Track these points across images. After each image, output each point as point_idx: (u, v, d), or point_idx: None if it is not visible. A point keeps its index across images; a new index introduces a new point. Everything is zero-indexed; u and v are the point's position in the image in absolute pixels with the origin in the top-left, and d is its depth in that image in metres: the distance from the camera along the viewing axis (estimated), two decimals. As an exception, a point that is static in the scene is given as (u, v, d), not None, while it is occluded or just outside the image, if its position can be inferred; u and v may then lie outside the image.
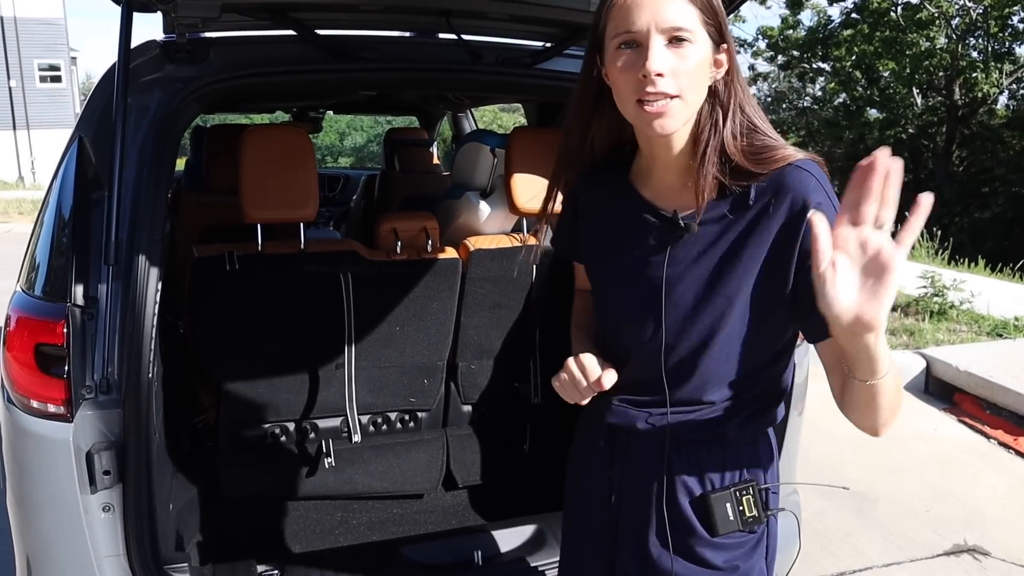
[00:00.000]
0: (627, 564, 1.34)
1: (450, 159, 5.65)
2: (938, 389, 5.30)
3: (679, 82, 1.12)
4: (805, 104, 26.99)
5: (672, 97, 1.12)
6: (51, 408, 1.64)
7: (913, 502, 3.75)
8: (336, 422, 2.57)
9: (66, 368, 1.62)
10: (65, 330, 1.61)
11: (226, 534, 2.42)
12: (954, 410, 4.96)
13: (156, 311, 1.70)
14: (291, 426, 2.54)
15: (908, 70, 21.20)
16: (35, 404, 1.65)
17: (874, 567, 3.23)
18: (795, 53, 23.69)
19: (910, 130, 22.73)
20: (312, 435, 2.56)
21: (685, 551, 1.28)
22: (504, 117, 26.55)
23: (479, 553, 2.04)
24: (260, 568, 1.97)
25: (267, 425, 2.52)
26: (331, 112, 5.37)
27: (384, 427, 2.66)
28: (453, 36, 2.07)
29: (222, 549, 2.28)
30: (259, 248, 2.17)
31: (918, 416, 4.90)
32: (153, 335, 1.70)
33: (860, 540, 3.42)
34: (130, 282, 1.68)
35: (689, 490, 1.28)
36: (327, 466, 2.54)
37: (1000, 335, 5.99)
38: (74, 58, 29.87)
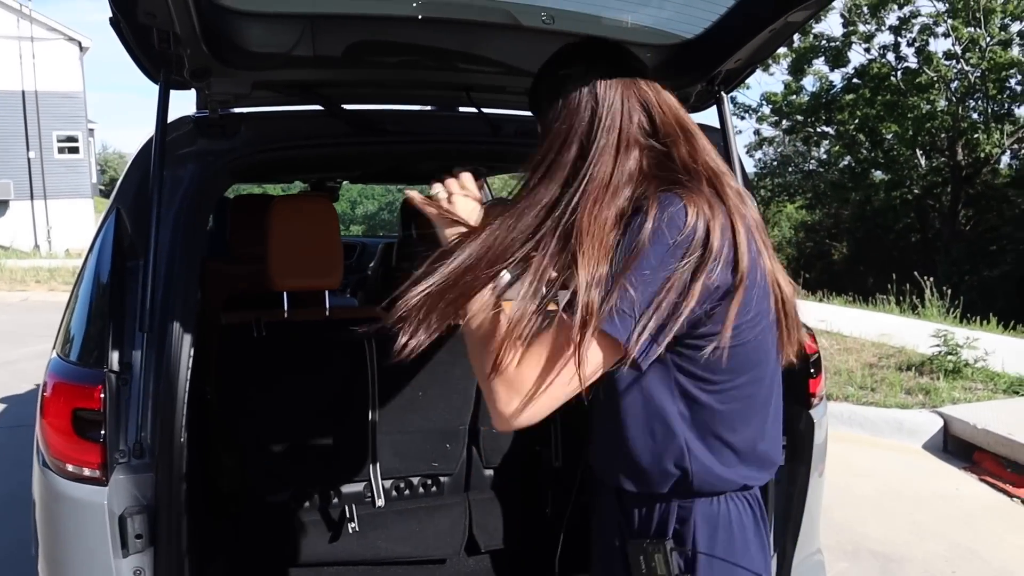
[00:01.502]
0: None
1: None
2: (957, 448, 5.26)
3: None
4: (811, 167, 27.33)
5: None
6: (86, 472, 1.67)
7: (938, 563, 3.70)
8: (359, 487, 2.58)
9: (102, 432, 1.66)
10: (102, 395, 1.65)
11: None
12: (974, 468, 4.92)
13: (188, 376, 1.74)
14: (315, 491, 2.55)
15: (911, 132, 21.52)
16: (71, 468, 1.68)
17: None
18: (799, 117, 24.08)
19: (915, 190, 22.94)
20: (335, 500, 2.57)
21: None
22: (517, 185, 26.85)
23: None
24: None
25: (291, 490, 2.53)
26: (347, 181, 5.47)
27: (407, 492, 2.66)
28: (473, 109, 2.15)
29: None
30: (286, 315, 2.21)
31: (938, 475, 4.86)
32: (185, 400, 1.73)
33: (885, 605, 3.38)
34: (164, 348, 1.72)
35: (620, 535, 1.37)
36: (351, 531, 2.54)
37: (1017, 392, 5.96)
38: (91, 129, 30.55)
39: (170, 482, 1.71)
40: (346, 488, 2.59)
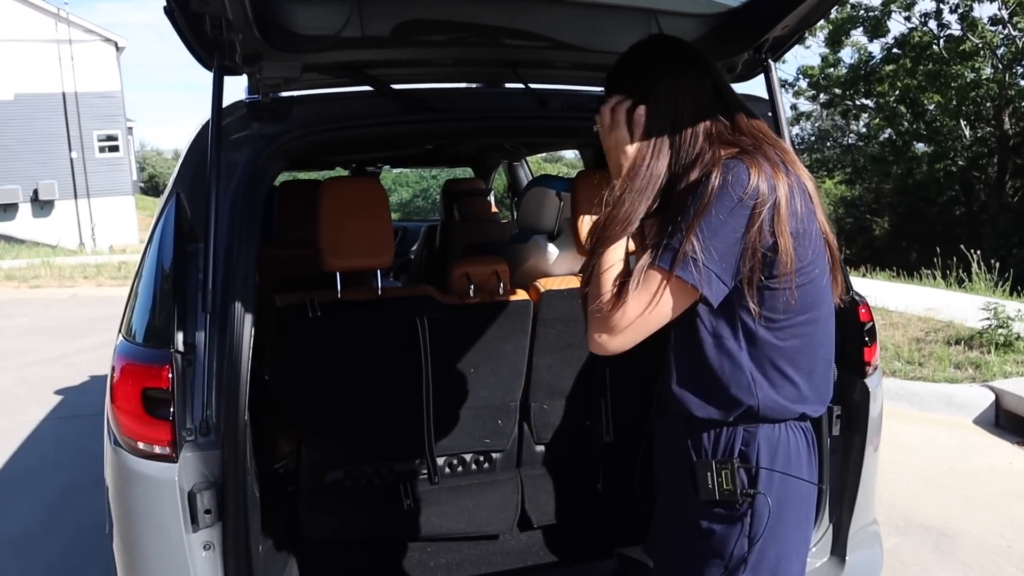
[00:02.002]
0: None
1: (507, 207, 5.76)
2: (1009, 422, 5.17)
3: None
4: (850, 141, 26.86)
5: None
6: (157, 450, 1.72)
7: (992, 538, 3.65)
8: (413, 464, 2.62)
9: (171, 411, 1.70)
10: (170, 375, 1.70)
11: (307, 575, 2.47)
12: (1028, 443, 4.84)
13: (250, 356, 1.78)
14: (369, 469, 2.59)
15: (954, 102, 20.99)
16: (141, 446, 1.73)
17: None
18: (837, 91, 23.64)
19: (960, 162, 22.43)
20: (390, 478, 2.61)
21: (685, 511, 1.53)
22: (547, 167, 26.84)
23: None
24: None
25: (346, 469, 2.57)
26: (387, 167, 5.53)
27: (460, 468, 2.70)
28: (520, 85, 2.15)
29: None
30: (338, 295, 2.25)
31: (990, 450, 4.78)
32: (248, 379, 1.77)
33: (940, 577, 3.34)
34: (226, 328, 1.76)
35: (690, 459, 1.51)
36: (405, 508, 2.58)
37: (1071, 364, 5.84)
38: (130, 128, 31.05)
39: (236, 459, 1.75)
40: (400, 466, 2.63)
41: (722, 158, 1.40)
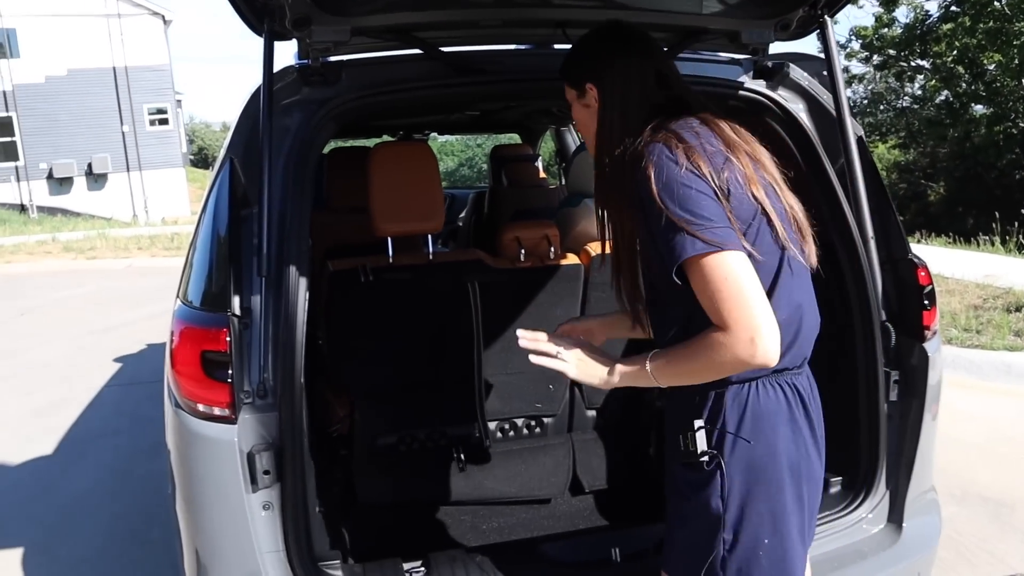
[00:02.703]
0: None
1: (555, 172, 5.72)
2: (1072, 390, 5.04)
3: (579, 130, 1.72)
4: (904, 104, 26.09)
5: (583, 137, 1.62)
6: (216, 411, 1.75)
7: (1053, 508, 3.57)
8: (465, 429, 2.64)
9: (230, 372, 1.73)
10: (228, 337, 1.72)
11: (359, 539, 2.50)
12: (1090, 412, 4.71)
13: (305, 319, 1.80)
14: (422, 434, 2.62)
15: (1016, 61, 20.20)
16: (201, 408, 1.77)
17: (1017, 574, 3.09)
18: (891, 52, 22.93)
19: (1021, 124, 21.65)
20: (442, 442, 2.63)
21: (672, 468, 1.61)
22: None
23: (617, 551, 2.05)
24: (406, 566, 2.03)
25: (399, 433, 2.60)
26: (434, 134, 5.53)
27: (511, 433, 2.71)
28: (569, 46, 2.12)
29: (356, 553, 2.36)
30: (390, 260, 2.26)
31: (1051, 419, 4.67)
32: (303, 342, 1.80)
33: (998, 547, 3.27)
34: (281, 292, 1.78)
35: (671, 423, 1.60)
36: (457, 472, 2.61)
37: None
38: (179, 101, 31.50)
39: (292, 421, 1.78)
40: (452, 430, 2.65)
41: (650, 137, 1.46)
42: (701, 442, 1.49)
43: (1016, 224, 9.90)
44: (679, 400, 1.55)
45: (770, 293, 1.45)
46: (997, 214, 10.63)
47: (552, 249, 2.42)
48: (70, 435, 4.96)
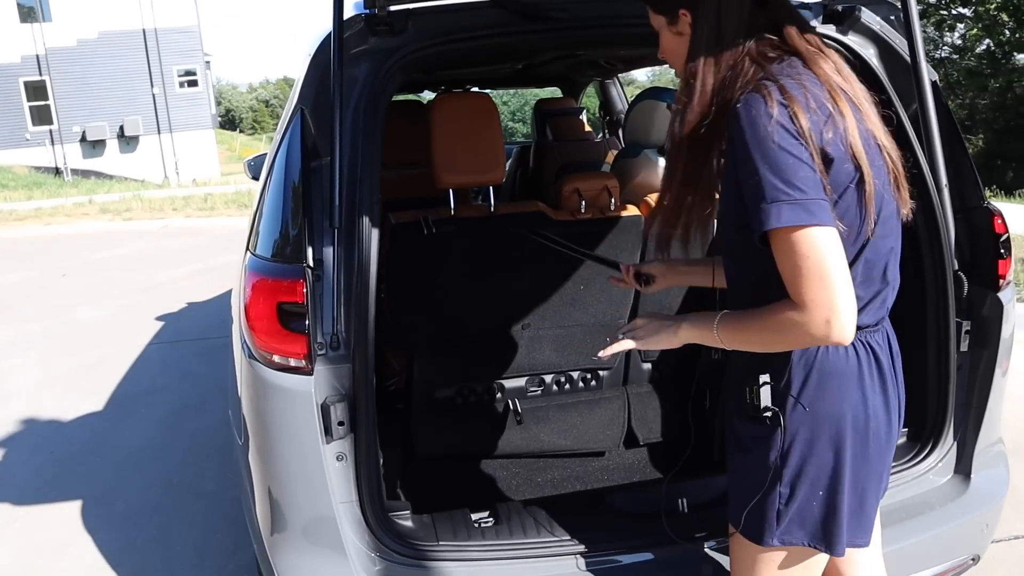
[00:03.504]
0: None
1: (599, 126, 5.65)
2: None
3: (667, 60, 1.57)
4: (943, 54, 25.42)
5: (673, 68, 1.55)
6: (292, 362, 1.75)
7: (1109, 460, 3.53)
8: (522, 382, 2.64)
9: (307, 323, 1.74)
10: (304, 289, 1.73)
11: (418, 490, 2.53)
12: None
13: (377, 271, 1.80)
14: (479, 386, 2.62)
15: (1062, 8, 19.60)
16: (277, 359, 1.77)
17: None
18: (931, 0, 22.31)
19: (1065, 74, 21.07)
20: (499, 395, 2.64)
21: (732, 423, 1.59)
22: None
23: (683, 501, 2.06)
24: (473, 517, 2.05)
25: (457, 386, 2.61)
26: (475, 89, 5.47)
27: (567, 386, 2.71)
28: None
29: (417, 504, 2.39)
30: (452, 212, 2.24)
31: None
32: (375, 294, 1.80)
33: (1055, 500, 3.25)
34: (353, 243, 1.77)
35: (734, 377, 1.58)
36: (513, 425, 2.62)
37: None
38: (207, 62, 31.50)
39: (366, 373, 1.78)
40: (509, 383, 2.65)
41: (747, 85, 1.36)
42: (765, 397, 1.47)
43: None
44: (743, 354, 1.52)
45: (854, 259, 1.41)
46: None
47: (612, 200, 2.40)
48: (118, 392, 5.05)
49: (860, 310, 1.42)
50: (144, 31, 26.93)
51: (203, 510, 3.44)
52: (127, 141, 27.92)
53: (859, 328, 1.45)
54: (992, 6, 21.19)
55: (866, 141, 1.38)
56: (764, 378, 1.47)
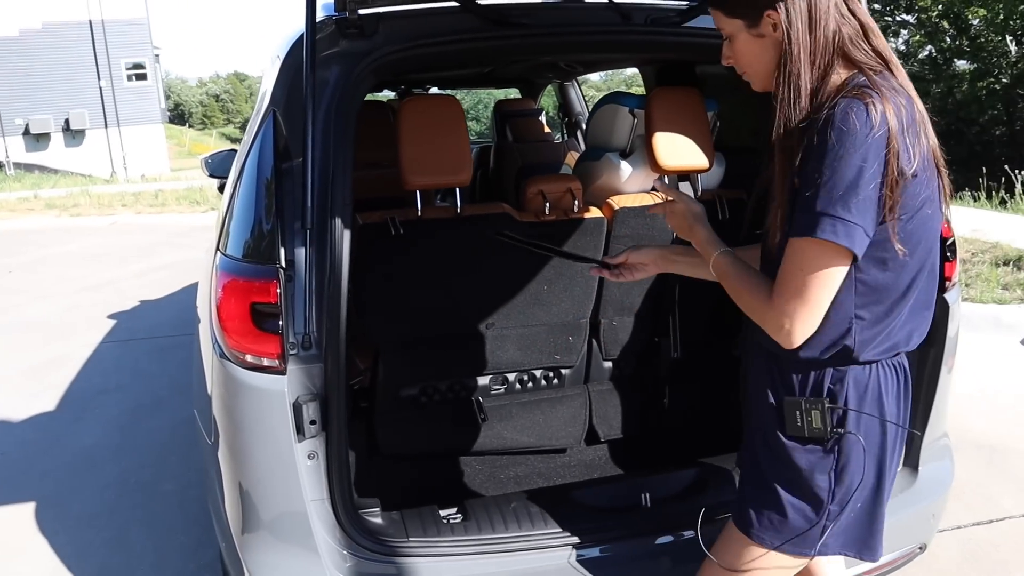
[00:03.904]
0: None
1: (558, 127, 5.71)
2: (1058, 342, 5.16)
3: (739, 64, 1.50)
4: (888, 60, 26.05)
5: (744, 72, 1.51)
6: (266, 362, 1.77)
7: (1045, 453, 3.69)
8: (486, 380, 2.68)
9: (280, 324, 1.75)
10: (278, 289, 1.74)
11: (384, 488, 2.55)
12: (1079, 362, 4.84)
13: (349, 271, 1.82)
14: (444, 385, 2.66)
15: (1001, 16, 20.23)
16: (249, 359, 1.79)
17: (1011, 517, 3.21)
18: (876, 6, 22.86)
19: (1004, 80, 21.73)
20: (463, 393, 2.67)
21: (769, 442, 1.54)
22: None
23: (647, 495, 2.12)
24: (442, 512, 2.09)
25: (421, 385, 2.64)
26: (436, 89, 5.49)
27: (530, 384, 2.76)
28: (603, 0, 2.13)
29: (384, 502, 2.41)
30: (419, 213, 2.27)
31: (1041, 369, 4.80)
32: (347, 294, 1.82)
33: (993, 491, 3.39)
34: (325, 244, 1.79)
35: (776, 393, 1.53)
36: (478, 422, 2.66)
37: (1124, 285, 5.77)
38: (157, 55, 30.89)
39: (338, 372, 1.81)
40: (473, 381, 2.69)
41: (841, 90, 1.34)
42: (828, 421, 1.46)
43: (1002, 179, 10.00)
44: (787, 372, 1.51)
45: (912, 281, 1.43)
46: (985, 169, 10.72)
47: (576, 202, 2.45)
48: (71, 392, 4.96)
49: (912, 334, 1.50)
50: (91, 22, 26.32)
51: (162, 510, 3.41)
52: (73, 135, 27.25)
53: (899, 352, 1.51)
54: (934, 13, 21.80)
55: (927, 153, 1.38)
56: (826, 402, 1.46)
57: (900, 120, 1.30)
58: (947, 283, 2.21)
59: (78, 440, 4.20)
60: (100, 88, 27.04)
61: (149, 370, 5.26)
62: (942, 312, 2.21)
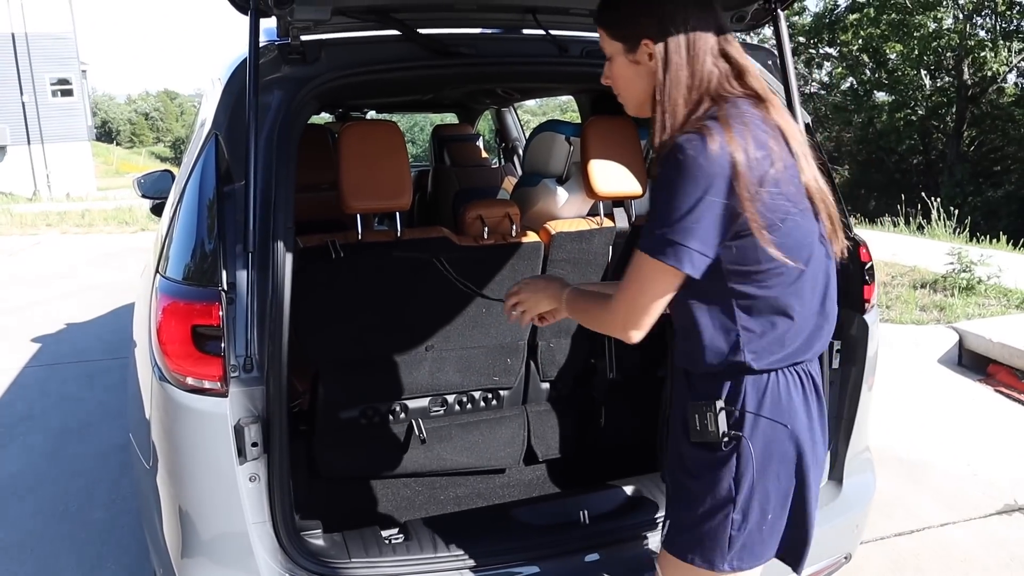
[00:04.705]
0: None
1: (495, 152, 5.78)
2: (972, 361, 5.40)
3: (615, 86, 1.60)
4: (812, 90, 27.04)
5: (619, 94, 1.61)
6: (207, 384, 1.77)
7: (959, 467, 3.87)
8: (425, 402, 2.70)
9: (222, 346, 1.75)
10: (220, 312, 1.75)
11: (324, 510, 2.55)
12: (989, 381, 5.08)
13: (291, 294, 1.83)
14: (383, 407, 2.67)
15: (916, 52, 21.27)
16: (191, 381, 1.78)
17: (931, 527, 3.35)
18: (801, 39, 23.77)
19: (920, 112, 22.77)
20: (403, 415, 2.69)
21: (680, 449, 1.61)
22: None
23: (585, 513, 2.16)
24: (384, 534, 2.10)
25: (361, 407, 2.65)
26: (373, 112, 5.51)
27: (469, 405, 2.78)
28: (541, 32, 2.20)
29: (325, 524, 2.41)
30: (359, 237, 2.30)
31: (954, 388, 5.01)
32: (289, 317, 1.83)
33: (913, 502, 3.54)
34: (267, 266, 1.81)
35: (683, 403, 1.60)
36: (418, 444, 2.67)
37: (1030, 307, 6.09)
38: (84, 71, 30.12)
39: (280, 394, 1.81)
40: (412, 403, 2.71)
41: (700, 119, 1.43)
42: (722, 423, 1.51)
43: (918, 206, 10.45)
44: (693, 379, 1.58)
45: (795, 299, 1.50)
46: (903, 196, 11.19)
47: (513, 227, 2.50)
48: (-6, 418, 4.80)
49: (805, 342, 1.54)
50: (13, 35, 25.54)
51: (91, 539, 3.32)
52: (-7, 151, 26.37)
53: (799, 362, 1.55)
54: (855, 47, 22.75)
55: (799, 183, 1.46)
56: (719, 404, 1.51)
57: (746, 151, 1.38)
58: (866, 305, 2.33)
59: (1, 468, 4.06)
60: (23, 103, 26.22)
61: (76, 394, 5.12)
62: (862, 332, 2.33)
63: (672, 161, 1.39)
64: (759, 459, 1.51)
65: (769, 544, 1.59)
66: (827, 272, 1.57)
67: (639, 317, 1.50)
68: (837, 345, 2.32)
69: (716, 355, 1.52)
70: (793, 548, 1.65)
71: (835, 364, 2.33)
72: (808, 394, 1.57)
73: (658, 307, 1.49)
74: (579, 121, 3.24)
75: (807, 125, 2.27)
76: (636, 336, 1.52)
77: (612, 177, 2.46)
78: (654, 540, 2.12)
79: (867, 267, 2.32)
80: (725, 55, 1.49)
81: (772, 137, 1.44)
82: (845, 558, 2.39)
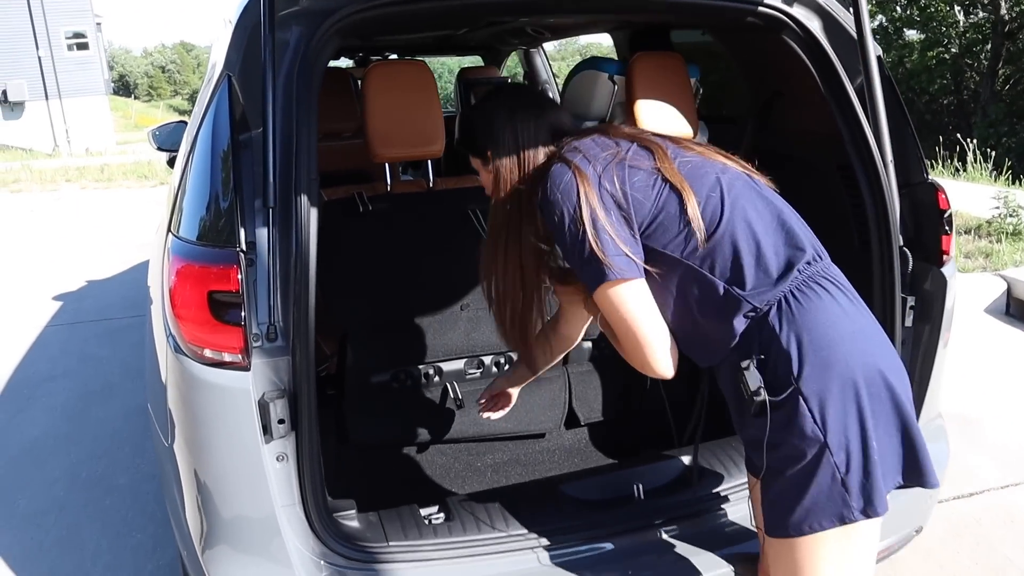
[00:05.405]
0: None
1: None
2: (1020, 311, 5.19)
3: (485, 187, 1.81)
4: (841, 29, 26.36)
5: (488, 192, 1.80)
6: (227, 357, 1.59)
7: (1014, 424, 3.69)
8: (460, 364, 2.55)
9: (242, 315, 1.58)
10: (239, 275, 1.57)
11: (355, 482, 2.41)
12: (1040, 330, 4.87)
13: (317, 254, 1.66)
14: (416, 371, 2.52)
15: (951, -15, 20.52)
16: (208, 353, 1.61)
17: (991, 489, 3.18)
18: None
19: (953, 50, 22.08)
20: (437, 378, 2.53)
21: (748, 433, 1.55)
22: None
23: (639, 487, 2.00)
24: (423, 512, 1.95)
25: (392, 371, 2.50)
26: (394, 57, 5.28)
27: (507, 367, 2.63)
28: None
29: (357, 498, 2.27)
30: (388, 188, 2.11)
31: (1002, 339, 4.81)
32: (315, 279, 1.66)
33: (971, 463, 3.36)
34: (290, 224, 1.63)
35: (724, 384, 1.58)
36: (453, 408, 2.53)
37: (1082, 251, 5.84)
38: (99, 24, 29.83)
39: (308, 365, 1.65)
40: (446, 366, 2.55)
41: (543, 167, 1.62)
42: (750, 382, 1.42)
43: (956, 148, 10.10)
44: (724, 364, 1.53)
45: (731, 222, 1.49)
46: (941, 139, 10.82)
47: None
48: (15, 379, 4.71)
49: (786, 250, 1.48)
50: (27, -11, 25.28)
51: (116, 506, 3.23)
52: (11, 107, 26.21)
53: (801, 274, 1.46)
54: (887, -18, 22.03)
55: (653, 174, 1.53)
56: (744, 363, 1.44)
57: (592, 164, 1.53)
58: (944, 257, 2.12)
59: (23, 432, 3.97)
60: (39, 58, 26.01)
61: (98, 354, 5.02)
62: (938, 287, 2.12)
63: (546, 199, 1.53)
64: (819, 388, 1.39)
65: (889, 470, 1.45)
66: (749, 185, 1.57)
67: (653, 344, 1.53)
68: (911, 301, 2.12)
69: (722, 319, 1.48)
70: (911, 463, 1.49)
71: (908, 322, 2.13)
72: (838, 298, 1.46)
73: (656, 321, 1.52)
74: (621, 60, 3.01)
75: (879, 58, 2.05)
76: (665, 366, 1.57)
77: (661, 118, 2.27)
78: (733, 511, 1.97)
79: (946, 215, 2.11)
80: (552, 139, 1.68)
81: (613, 142, 1.59)
82: (916, 531, 2.22)
